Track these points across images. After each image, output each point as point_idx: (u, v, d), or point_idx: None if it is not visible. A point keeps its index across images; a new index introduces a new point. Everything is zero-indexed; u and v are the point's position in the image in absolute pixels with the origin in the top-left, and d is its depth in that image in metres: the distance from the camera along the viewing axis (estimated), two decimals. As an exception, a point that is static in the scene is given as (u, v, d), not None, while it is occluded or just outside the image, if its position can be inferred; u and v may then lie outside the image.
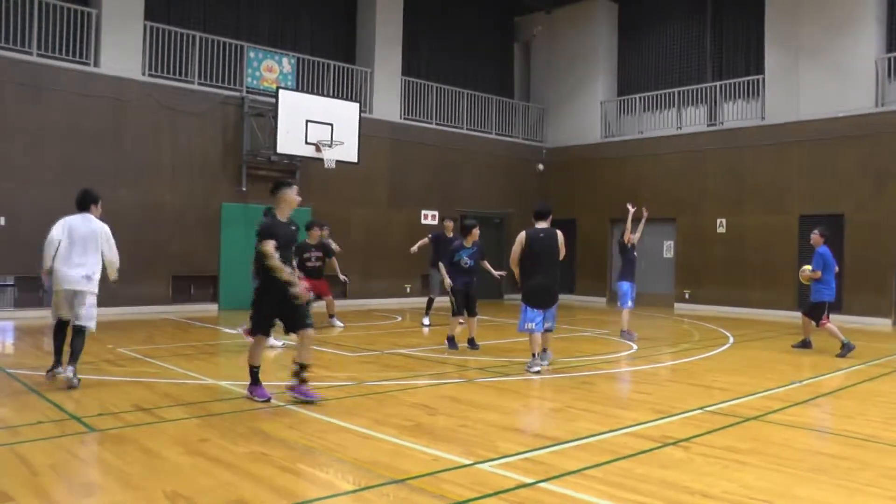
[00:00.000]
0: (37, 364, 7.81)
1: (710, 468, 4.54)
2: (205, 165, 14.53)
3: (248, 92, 15.08)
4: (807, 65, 16.07)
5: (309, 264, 10.85)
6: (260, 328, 6.28)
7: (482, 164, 19.16)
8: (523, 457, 4.71)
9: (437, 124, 18.53)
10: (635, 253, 11.17)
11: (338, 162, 14.95)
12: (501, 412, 6.07)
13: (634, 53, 20.14)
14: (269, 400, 6.13)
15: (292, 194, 6.26)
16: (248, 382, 6.30)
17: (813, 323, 10.02)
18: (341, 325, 11.98)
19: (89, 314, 6.88)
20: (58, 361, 7.04)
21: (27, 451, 4.60)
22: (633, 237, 11.08)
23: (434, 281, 12.55)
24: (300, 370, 6.14)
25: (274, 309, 6.16)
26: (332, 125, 14.89)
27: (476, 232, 9.93)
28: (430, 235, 12.66)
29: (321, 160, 14.81)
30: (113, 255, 7.06)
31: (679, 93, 18.54)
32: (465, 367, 8.37)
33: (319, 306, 11.20)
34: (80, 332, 6.85)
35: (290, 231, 6.28)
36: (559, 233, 8.18)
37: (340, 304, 13.71)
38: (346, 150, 15.14)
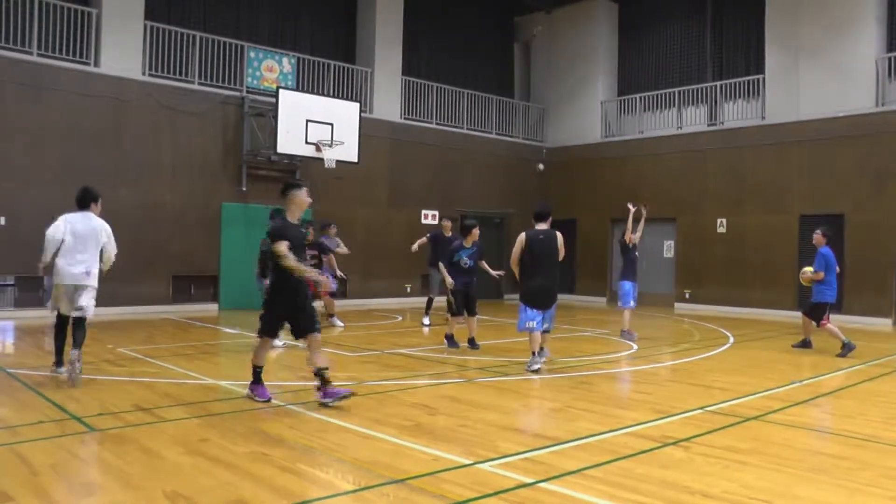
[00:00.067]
0: (37, 364, 7.82)
1: (711, 468, 4.54)
2: (205, 165, 14.53)
3: (248, 92, 15.08)
4: (807, 65, 16.07)
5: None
6: (268, 329, 6.24)
7: (482, 164, 19.16)
8: (523, 457, 4.71)
9: (437, 124, 18.53)
10: (637, 252, 11.17)
11: (338, 162, 14.95)
12: (501, 412, 6.07)
13: (634, 53, 20.14)
14: (269, 400, 6.12)
15: (303, 196, 6.23)
16: (250, 381, 6.29)
17: (813, 323, 10.02)
18: (341, 324, 11.98)
19: (89, 304, 7.11)
20: (60, 361, 7.13)
21: (27, 450, 4.60)
22: (633, 237, 11.08)
23: (433, 280, 12.56)
24: (320, 375, 5.99)
25: (285, 310, 6.11)
26: (332, 125, 14.89)
27: (476, 232, 9.93)
28: (428, 235, 12.67)
29: (321, 160, 14.81)
30: (113, 250, 7.30)
31: (679, 93, 18.55)
32: (465, 367, 8.37)
33: (318, 305, 11.21)
34: (80, 322, 7.02)
35: (301, 233, 6.28)
36: (559, 234, 8.19)
37: (340, 304, 13.71)
38: (347, 149, 15.14)
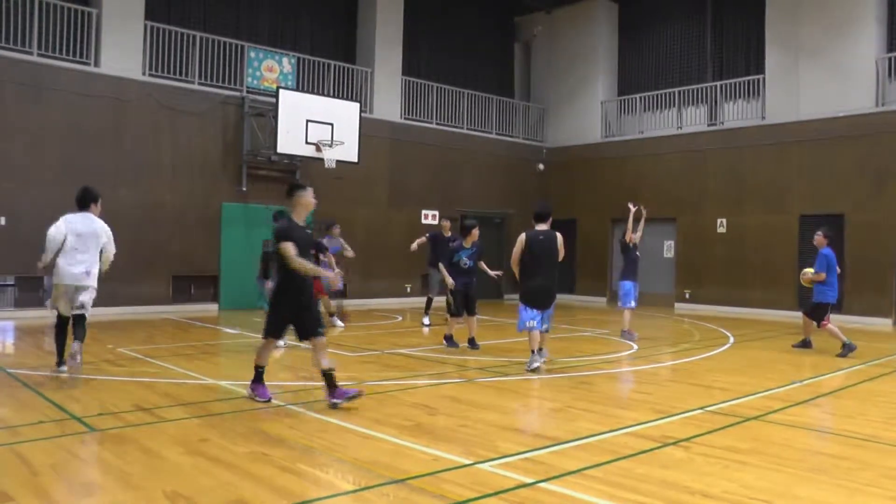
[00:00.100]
0: (37, 364, 7.82)
1: (711, 468, 4.54)
2: (205, 165, 14.53)
3: (248, 92, 15.08)
4: (807, 65, 16.07)
5: None
6: (272, 330, 6.21)
7: (482, 164, 19.16)
8: (523, 457, 4.71)
9: (437, 124, 18.53)
10: (637, 252, 11.17)
11: (338, 162, 14.95)
12: (501, 412, 6.07)
13: (635, 53, 20.14)
14: (269, 400, 6.12)
15: (308, 197, 6.22)
16: (251, 380, 6.29)
17: (814, 323, 10.02)
18: (341, 324, 11.97)
19: (88, 302, 7.21)
20: (61, 360, 7.16)
21: (27, 450, 4.60)
22: (634, 237, 11.08)
23: (432, 280, 12.58)
24: (327, 377, 5.96)
25: (290, 310, 6.09)
26: (332, 125, 14.89)
27: (476, 232, 9.94)
28: (427, 235, 12.69)
29: (321, 160, 14.81)
30: (112, 251, 7.37)
31: (679, 93, 18.55)
32: (465, 367, 8.37)
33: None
34: (80, 320, 7.11)
35: (307, 234, 6.28)
36: (559, 235, 8.21)
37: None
38: (347, 149, 15.14)
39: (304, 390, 6.86)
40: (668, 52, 19.33)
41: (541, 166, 19.13)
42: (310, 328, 6.06)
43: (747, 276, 16.57)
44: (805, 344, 10.30)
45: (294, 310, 6.08)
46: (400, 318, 13.94)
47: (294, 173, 15.43)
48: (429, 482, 4.14)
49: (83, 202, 7.28)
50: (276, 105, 14.37)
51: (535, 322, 8.02)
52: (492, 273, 10.55)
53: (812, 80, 15.93)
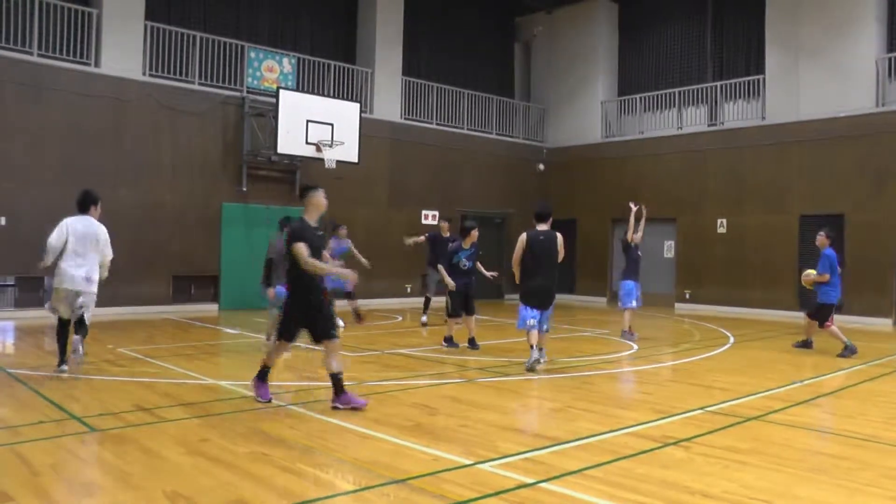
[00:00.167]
0: (37, 364, 7.82)
1: (711, 468, 4.54)
2: (205, 165, 14.53)
3: (248, 92, 15.08)
4: (807, 65, 16.07)
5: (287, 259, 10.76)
6: (284, 332, 6.15)
7: (482, 164, 19.15)
8: (524, 457, 4.71)
9: (437, 124, 18.53)
10: (639, 252, 11.17)
11: (338, 162, 14.95)
12: (501, 412, 6.07)
13: (635, 53, 20.14)
14: (269, 401, 6.11)
15: (321, 197, 6.21)
16: (255, 376, 6.22)
17: (816, 324, 9.97)
18: (342, 324, 11.93)
19: (89, 305, 7.25)
20: (63, 360, 7.18)
21: (27, 450, 4.60)
22: (635, 236, 11.08)
23: (431, 280, 12.63)
24: (335, 381, 5.94)
25: (299, 310, 6.03)
26: (332, 125, 14.88)
27: (475, 233, 9.95)
28: (426, 235, 12.72)
29: (322, 160, 14.80)
30: (109, 255, 7.38)
31: (679, 93, 18.55)
32: (465, 367, 8.37)
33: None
34: (81, 320, 7.17)
35: (320, 236, 6.24)
36: (559, 235, 8.22)
37: (340, 304, 13.67)
38: (347, 150, 15.13)
39: (304, 390, 6.87)
40: (669, 53, 19.33)
41: (541, 166, 19.13)
42: (322, 330, 5.99)
43: (747, 277, 16.57)
44: (806, 344, 10.29)
45: (303, 310, 6.01)
46: (400, 319, 13.94)
47: (294, 173, 15.43)
48: (429, 482, 4.14)
49: (83, 205, 7.30)
50: (276, 105, 14.36)
51: (534, 321, 8.04)
52: (487, 274, 10.49)
53: (812, 80, 15.93)
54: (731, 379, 7.83)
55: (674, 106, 18.67)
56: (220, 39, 15.00)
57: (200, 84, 14.68)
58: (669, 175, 18.02)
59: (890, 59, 15.23)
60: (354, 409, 5.89)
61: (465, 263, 9.84)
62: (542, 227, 8.21)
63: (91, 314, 7.27)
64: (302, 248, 5.86)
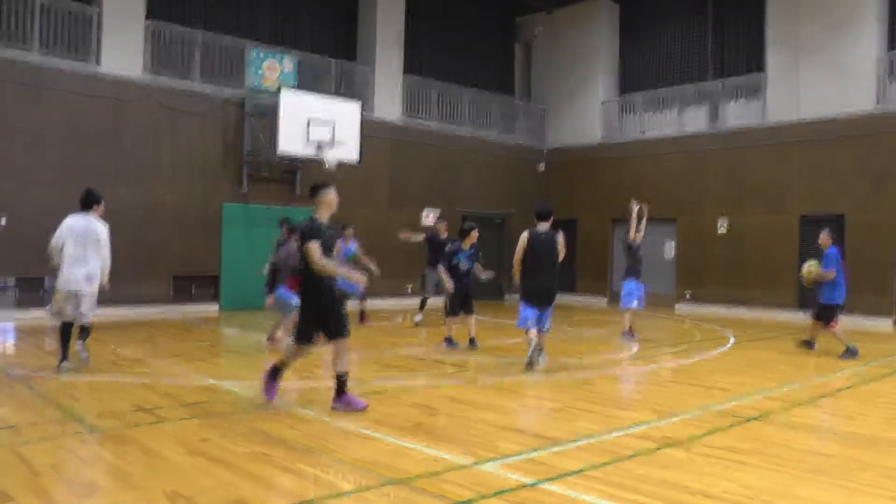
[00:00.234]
0: (37, 364, 7.82)
1: (711, 468, 4.54)
2: (205, 165, 14.52)
3: (249, 92, 15.06)
4: (807, 65, 16.06)
5: (291, 262, 10.73)
6: (299, 334, 6.06)
7: (483, 164, 19.15)
8: (524, 457, 4.71)
9: (437, 124, 18.53)
10: (641, 252, 11.16)
11: (339, 162, 14.93)
12: (501, 412, 6.07)
13: (635, 53, 20.13)
14: (271, 401, 6.10)
15: (332, 195, 6.16)
16: (267, 372, 6.11)
17: (821, 324, 9.89)
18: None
19: (89, 311, 7.30)
20: (65, 356, 7.20)
21: (27, 450, 4.60)
22: (637, 235, 11.08)
23: (429, 281, 12.65)
24: (339, 381, 5.92)
25: (311, 310, 5.96)
26: (333, 125, 14.87)
27: (475, 234, 9.95)
28: (425, 235, 12.75)
29: (322, 160, 14.78)
30: (107, 256, 7.40)
31: (680, 93, 18.54)
32: (465, 367, 8.37)
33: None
34: (84, 326, 7.32)
35: (332, 234, 6.16)
36: (560, 235, 8.24)
37: (350, 304, 13.69)
38: (348, 149, 15.12)
39: (304, 390, 6.87)
40: (669, 52, 19.32)
41: (541, 166, 19.12)
42: (333, 330, 5.93)
43: (748, 277, 16.56)
44: (809, 344, 10.25)
45: (315, 309, 5.94)
46: (400, 319, 13.94)
47: (295, 174, 15.42)
48: (429, 482, 4.14)
49: (86, 204, 7.36)
50: (276, 105, 14.34)
51: (532, 321, 8.06)
52: (483, 274, 10.40)
53: (812, 80, 15.92)
54: (732, 379, 7.83)
55: (674, 106, 18.66)
56: (220, 38, 14.98)
57: (201, 83, 14.66)
58: (669, 175, 18.01)
59: (890, 59, 15.21)
60: (354, 411, 5.88)
61: (464, 265, 9.85)
62: (543, 226, 8.22)
63: (92, 315, 7.29)
64: (315, 248, 5.79)
